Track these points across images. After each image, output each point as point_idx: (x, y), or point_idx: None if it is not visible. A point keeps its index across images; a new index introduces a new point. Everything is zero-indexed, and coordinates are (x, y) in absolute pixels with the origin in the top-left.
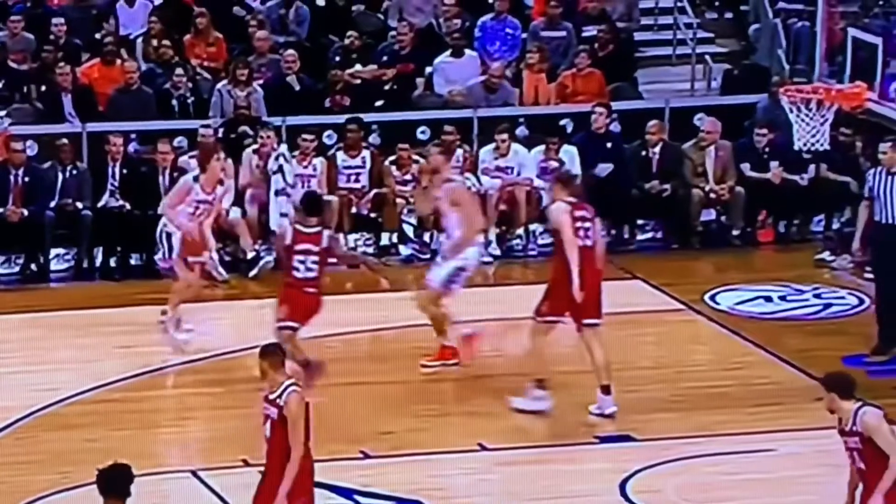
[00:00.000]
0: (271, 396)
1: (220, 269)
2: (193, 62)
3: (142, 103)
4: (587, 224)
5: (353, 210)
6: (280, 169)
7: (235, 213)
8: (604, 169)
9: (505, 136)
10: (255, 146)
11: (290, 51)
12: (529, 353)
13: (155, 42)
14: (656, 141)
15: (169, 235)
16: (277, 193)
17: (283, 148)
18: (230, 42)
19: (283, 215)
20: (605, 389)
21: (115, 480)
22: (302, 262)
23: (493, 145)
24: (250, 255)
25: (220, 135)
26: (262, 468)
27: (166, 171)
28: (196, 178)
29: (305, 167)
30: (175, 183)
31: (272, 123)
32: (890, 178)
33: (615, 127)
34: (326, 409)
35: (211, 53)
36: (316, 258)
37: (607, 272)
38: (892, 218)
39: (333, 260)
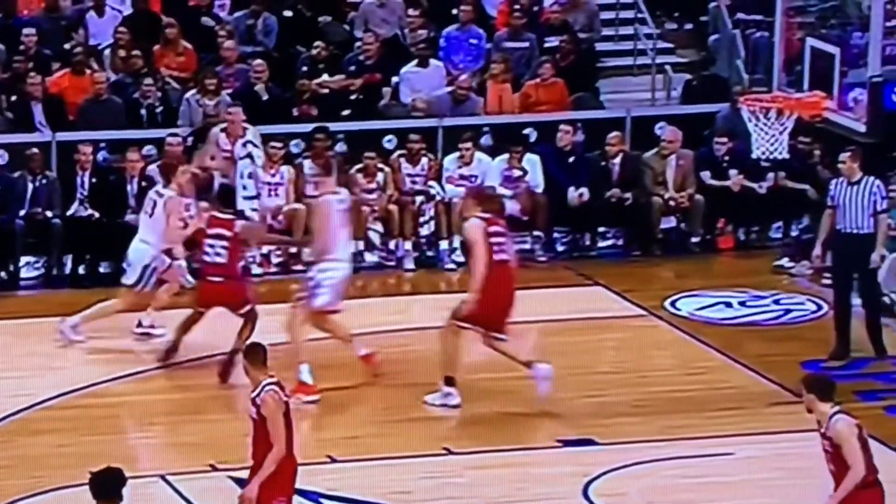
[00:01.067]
0: (252, 395)
1: (188, 276)
2: (163, 72)
3: (111, 113)
4: (501, 239)
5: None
6: (249, 155)
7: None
8: (576, 195)
9: (469, 144)
10: (222, 125)
11: (258, 60)
12: (442, 353)
13: (124, 52)
14: (616, 152)
15: (154, 270)
16: (243, 177)
17: (251, 134)
18: (199, 52)
19: (247, 198)
20: (529, 365)
21: (108, 484)
22: (211, 245)
23: (457, 154)
24: None
25: (188, 143)
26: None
27: (135, 180)
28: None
29: (273, 175)
30: (143, 191)
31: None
32: (850, 187)
33: (578, 136)
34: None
35: (180, 63)
36: (226, 243)
37: (567, 279)
38: (852, 227)
39: (249, 246)
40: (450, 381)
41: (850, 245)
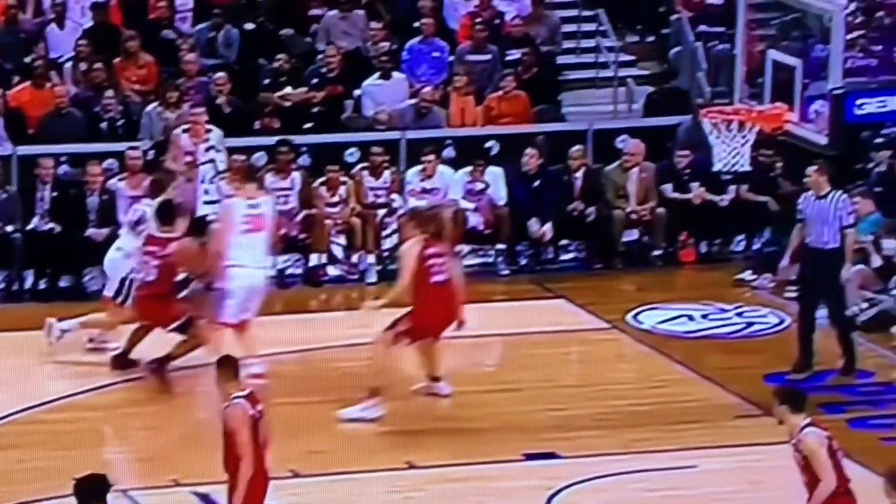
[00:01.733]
0: (223, 408)
1: None
2: (123, 85)
3: (72, 126)
4: (441, 259)
5: (282, 232)
6: (212, 160)
7: None
8: (539, 231)
9: (431, 157)
10: (185, 126)
11: (220, 73)
12: (373, 365)
13: (85, 65)
14: (578, 166)
15: (132, 281)
16: (205, 181)
17: (215, 138)
18: (160, 65)
19: (208, 203)
20: (437, 379)
21: (92, 489)
22: (146, 262)
23: (419, 167)
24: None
25: (149, 157)
26: None
27: (96, 194)
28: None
29: None
30: (105, 205)
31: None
32: (817, 201)
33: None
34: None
35: (141, 76)
36: (158, 262)
37: (530, 292)
38: (818, 241)
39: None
40: (374, 393)
41: (817, 259)
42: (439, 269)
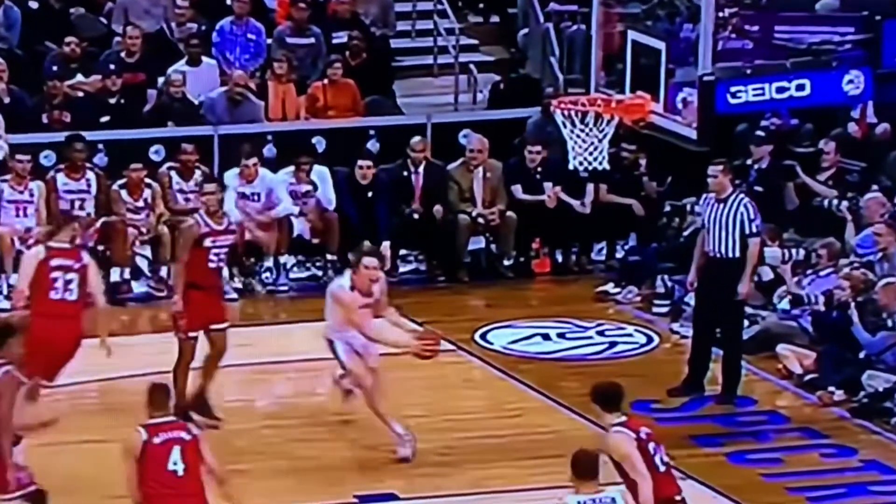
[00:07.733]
0: None
1: None
2: None
3: None
4: (70, 275)
5: (78, 241)
6: None
7: None
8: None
9: (254, 160)
10: None
11: None
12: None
13: None
14: (420, 160)
15: None
16: None
17: None
18: None
19: None
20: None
21: None
22: None
23: (237, 170)
24: None
25: None
26: None
27: None
28: None
29: (21, 192)
30: None
31: None
32: (719, 205)
33: (373, 145)
34: (51, 469)
35: None
36: None
37: None
38: (718, 250)
39: None
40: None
41: (717, 271)
42: (66, 285)
